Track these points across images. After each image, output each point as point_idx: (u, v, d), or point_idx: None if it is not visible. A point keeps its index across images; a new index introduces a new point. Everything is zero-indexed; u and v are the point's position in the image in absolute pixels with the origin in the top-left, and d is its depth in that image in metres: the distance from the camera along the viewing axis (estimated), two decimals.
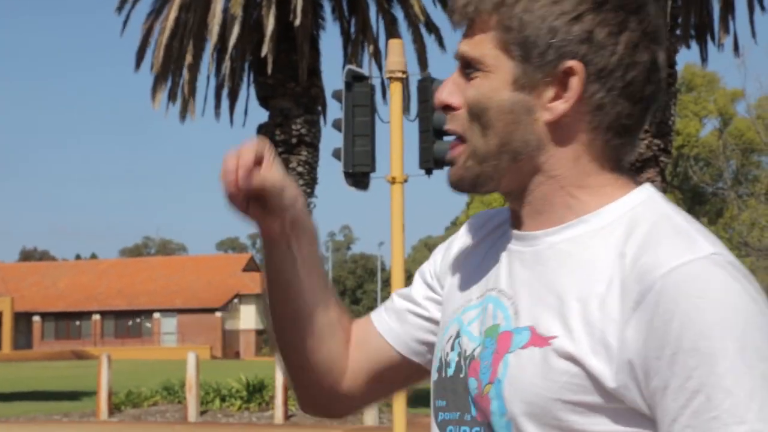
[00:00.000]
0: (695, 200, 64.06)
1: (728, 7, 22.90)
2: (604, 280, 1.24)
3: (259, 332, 71.09)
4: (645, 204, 1.30)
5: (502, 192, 1.36)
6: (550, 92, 1.29)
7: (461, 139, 1.34)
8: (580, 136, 1.31)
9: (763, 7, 23.65)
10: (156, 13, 22.89)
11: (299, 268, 1.46)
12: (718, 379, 1.16)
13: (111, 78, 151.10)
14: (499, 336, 1.30)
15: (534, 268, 1.32)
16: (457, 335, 1.38)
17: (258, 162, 1.39)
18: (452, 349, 1.38)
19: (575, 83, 1.28)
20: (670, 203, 1.31)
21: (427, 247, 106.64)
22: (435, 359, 1.42)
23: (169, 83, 22.65)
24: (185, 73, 22.37)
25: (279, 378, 16.96)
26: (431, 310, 1.50)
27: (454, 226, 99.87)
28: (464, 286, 1.43)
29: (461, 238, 1.51)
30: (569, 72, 1.28)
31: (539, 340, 1.26)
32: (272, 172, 1.39)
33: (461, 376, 1.35)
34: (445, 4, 23.13)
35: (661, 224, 1.26)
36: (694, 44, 23.80)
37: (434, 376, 1.42)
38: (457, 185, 1.35)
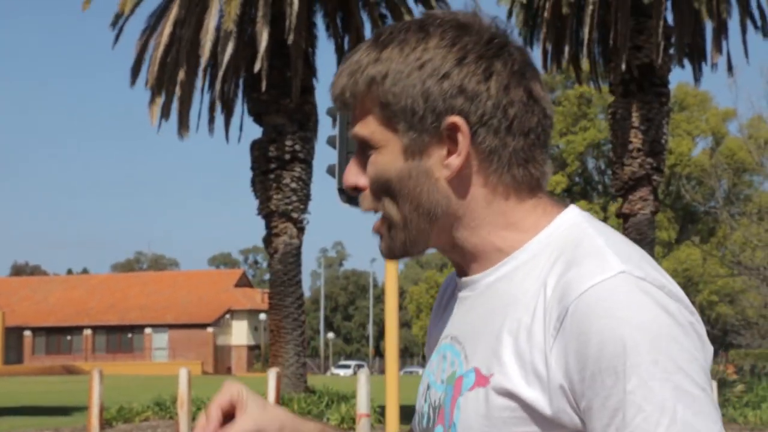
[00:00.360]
0: (687, 219, 64.17)
1: (721, 27, 23.02)
2: (529, 311, 1.28)
3: (250, 348, 70.96)
4: (568, 229, 1.34)
5: (438, 249, 1.40)
6: (442, 151, 1.33)
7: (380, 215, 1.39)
8: (484, 181, 1.34)
9: (756, 26, 23.78)
10: (151, 29, 22.94)
11: None
12: (631, 396, 1.19)
13: (105, 92, 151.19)
14: (455, 381, 1.35)
15: (475, 311, 1.37)
16: (428, 387, 1.44)
17: (231, 415, 1.39)
18: (425, 401, 1.44)
19: (461, 137, 1.32)
20: (595, 222, 1.34)
21: (418, 263, 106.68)
22: (416, 414, 1.48)
23: (163, 99, 22.68)
24: (179, 89, 22.40)
25: (271, 393, 16.92)
26: None
27: None
28: (433, 341, 1.50)
29: (437, 299, 1.57)
30: (453, 128, 1.32)
31: (482, 380, 1.30)
32: (243, 421, 1.38)
33: (430, 425, 1.41)
34: None
35: (579, 247, 1.29)
36: (686, 63, 23.92)
37: (417, 429, 1.48)
38: (389, 254, 1.38)
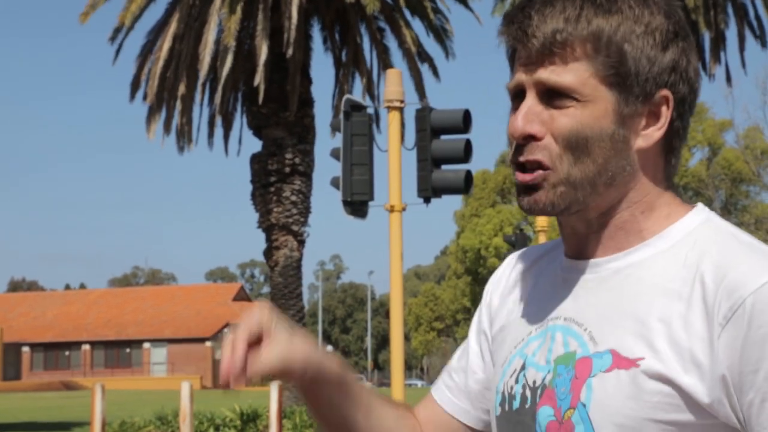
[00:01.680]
0: None
1: (719, 38, 23.08)
2: (683, 300, 1.27)
3: None
4: (705, 224, 1.34)
5: (582, 216, 1.35)
6: (642, 120, 1.32)
7: (541, 167, 1.33)
8: (659, 161, 1.36)
9: (756, 35, 23.84)
10: (150, 44, 22.97)
11: (340, 405, 1.44)
12: None
13: (103, 107, 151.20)
14: (577, 362, 1.32)
15: (602, 294, 1.34)
16: (522, 368, 1.39)
17: (258, 340, 1.35)
18: (516, 382, 1.39)
19: (666, 111, 1.32)
20: (726, 222, 1.36)
21: (417, 276, 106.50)
22: (496, 394, 1.43)
23: (163, 114, 22.71)
24: (179, 103, 22.43)
25: (273, 407, 16.89)
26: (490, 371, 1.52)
27: (444, 255, 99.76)
28: (520, 319, 1.44)
29: (508, 275, 1.51)
30: (662, 101, 1.32)
31: (624, 362, 1.28)
32: (270, 356, 1.34)
33: (527, 406, 1.37)
34: (437, 34, 23.31)
35: (731, 243, 1.30)
36: None
37: (496, 411, 1.43)
38: (549, 210, 1.33)
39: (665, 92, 1.32)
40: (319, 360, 1.39)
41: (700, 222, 1.35)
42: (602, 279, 1.35)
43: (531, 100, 1.33)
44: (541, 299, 1.42)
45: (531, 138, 1.32)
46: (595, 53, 1.30)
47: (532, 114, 1.32)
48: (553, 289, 1.40)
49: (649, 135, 1.32)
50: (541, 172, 1.33)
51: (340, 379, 1.42)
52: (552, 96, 1.31)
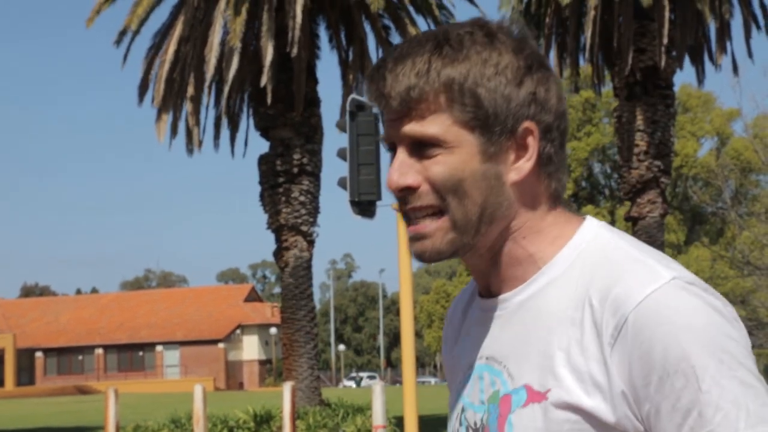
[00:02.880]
0: (696, 220, 64.05)
1: (724, 27, 23.02)
2: (576, 325, 1.32)
3: (262, 362, 70.89)
4: (594, 241, 1.38)
5: (474, 257, 1.40)
6: (511, 155, 1.37)
7: (436, 213, 1.37)
8: (537, 186, 1.40)
9: (759, 27, 23.78)
10: (156, 47, 23.01)
11: None
12: (706, 395, 1.24)
13: (112, 110, 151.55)
14: (501, 400, 1.38)
15: (512, 329, 1.39)
16: (462, 410, 1.46)
17: None
18: (460, 424, 1.46)
19: (532, 142, 1.37)
20: (617, 232, 1.39)
21: (427, 272, 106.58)
22: None
23: (170, 116, 22.74)
24: (187, 105, 22.46)
25: (286, 407, 16.91)
26: None
27: None
28: (459, 363, 1.51)
29: (447, 326, 1.59)
30: (526, 133, 1.37)
31: (536, 396, 1.33)
32: None
33: None
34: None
35: (616, 258, 1.34)
36: (687, 65, 23.92)
37: None
38: (436, 257, 1.38)
39: (528, 124, 1.37)
40: None
41: (588, 240, 1.38)
42: (510, 314, 1.40)
43: (402, 154, 1.38)
44: (470, 341, 1.48)
45: (409, 189, 1.37)
46: (451, 102, 1.35)
47: (405, 166, 1.38)
48: (476, 330, 1.47)
49: (520, 167, 1.37)
50: (428, 222, 1.38)
51: None
52: (420, 147, 1.37)
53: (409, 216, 1.39)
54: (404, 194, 1.38)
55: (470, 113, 1.35)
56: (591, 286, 1.32)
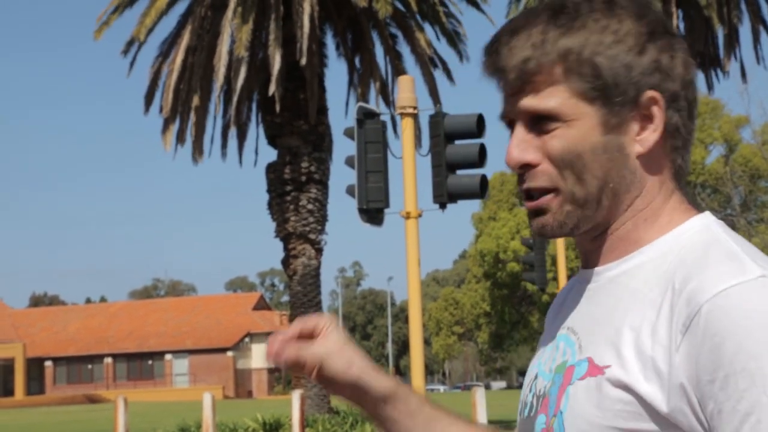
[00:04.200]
0: None
1: (733, 34, 22.99)
2: (655, 308, 1.26)
3: (271, 370, 70.87)
4: (699, 232, 1.33)
5: (590, 232, 1.36)
6: (635, 126, 1.32)
7: (551, 191, 1.34)
8: (664, 162, 1.35)
9: None
10: (163, 56, 23.06)
11: (390, 418, 1.46)
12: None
13: (119, 120, 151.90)
14: (566, 370, 1.34)
15: (594, 303, 1.36)
16: (535, 377, 1.42)
17: (310, 335, 1.44)
18: (530, 390, 1.43)
19: (657, 112, 1.32)
20: (728, 229, 1.33)
21: (435, 281, 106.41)
22: (519, 403, 1.47)
23: (177, 125, 22.78)
24: (193, 115, 22.50)
25: (295, 415, 16.90)
26: None
27: (462, 259, 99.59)
28: (547, 335, 1.47)
29: (558, 298, 1.55)
30: (651, 102, 1.32)
31: (595, 369, 1.29)
32: (315, 347, 1.42)
33: (531, 414, 1.40)
34: (450, 38, 23.29)
35: (711, 250, 1.28)
36: (699, 72, 23.92)
37: (518, 419, 1.46)
38: (558, 231, 1.35)
39: (651, 93, 1.32)
40: (365, 370, 1.43)
41: (696, 230, 1.33)
42: (599, 287, 1.36)
43: (520, 130, 1.35)
44: (564, 311, 1.44)
45: (528, 166, 1.35)
46: (568, 73, 1.31)
47: (523, 143, 1.35)
48: (570, 300, 1.43)
49: (646, 138, 1.32)
50: (547, 196, 1.35)
51: (389, 393, 1.44)
52: (539, 122, 1.34)
53: (529, 193, 1.36)
54: (523, 171, 1.35)
55: (589, 83, 1.31)
56: (678, 271, 1.27)
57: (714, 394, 1.20)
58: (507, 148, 1.36)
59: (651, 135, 1.32)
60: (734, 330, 1.19)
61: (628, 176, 1.33)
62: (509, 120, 1.37)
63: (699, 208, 1.37)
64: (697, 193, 52.94)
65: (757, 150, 42.34)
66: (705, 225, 1.34)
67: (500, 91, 1.38)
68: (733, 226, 54.66)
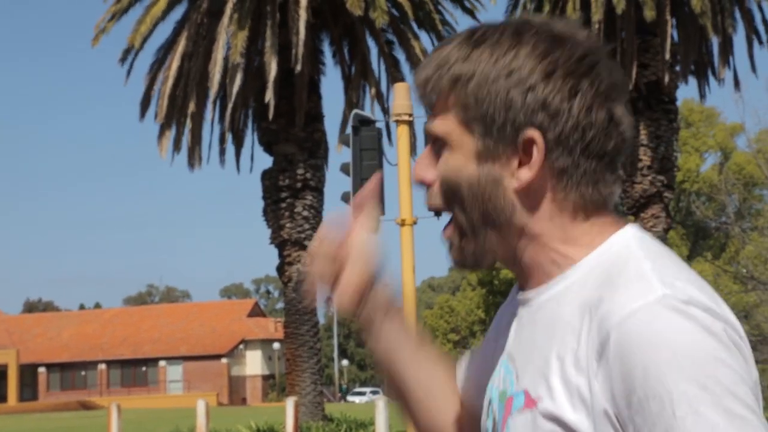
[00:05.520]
0: (699, 235, 64.04)
1: (727, 42, 23.08)
2: (575, 334, 1.26)
3: (265, 377, 70.80)
4: (617, 251, 1.31)
5: (501, 261, 1.38)
6: (514, 161, 1.31)
7: (450, 219, 1.37)
8: (551, 197, 1.32)
9: (761, 42, 23.84)
10: (159, 63, 23.07)
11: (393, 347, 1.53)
12: (680, 422, 1.16)
13: (114, 127, 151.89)
14: (507, 400, 1.35)
15: (527, 330, 1.36)
16: (490, 402, 1.42)
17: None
18: (488, 416, 1.42)
19: (536, 152, 1.30)
20: (647, 243, 1.32)
21: (431, 288, 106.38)
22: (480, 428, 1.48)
23: (173, 132, 22.79)
24: (189, 121, 22.51)
25: (289, 422, 16.89)
26: None
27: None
28: (494, 354, 1.47)
29: (496, 318, 1.54)
30: (529, 142, 1.30)
31: (530, 402, 1.29)
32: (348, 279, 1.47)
33: None
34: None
35: (624, 269, 1.27)
36: (690, 80, 23.99)
37: None
38: (461, 264, 1.38)
39: (531, 133, 1.30)
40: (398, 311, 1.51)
41: (616, 248, 1.31)
42: (531, 313, 1.36)
43: (426, 148, 1.38)
44: (505, 335, 1.43)
45: (424, 184, 1.37)
46: (456, 100, 1.33)
47: (424, 161, 1.37)
48: (507, 323, 1.43)
49: (520, 175, 1.31)
50: (448, 229, 1.37)
51: (394, 304, 1.50)
52: (435, 144, 1.36)
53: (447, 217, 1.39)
54: (425, 189, 1.38)
55: (470, 114, 1.32)
56: (595, 295, 1.26)
57: (632, 418, 1.20)
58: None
59: (525, 173, 1.31)
60: (640, 355, 1.19)
61: (507, 209, 1.32)
62: None
63: (620, 223, 1.34)
64: (692, 201, 52.98)
65: (752, 158, 42.38)
66: (623, 242, 1.32)
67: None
68: (727, 235, 54.77)
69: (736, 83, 24.06)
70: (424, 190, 1.38)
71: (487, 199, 1.32)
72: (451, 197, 1.34)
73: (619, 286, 1.24)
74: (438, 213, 1.40)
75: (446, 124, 1.34)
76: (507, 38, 1.32)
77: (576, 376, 1.24)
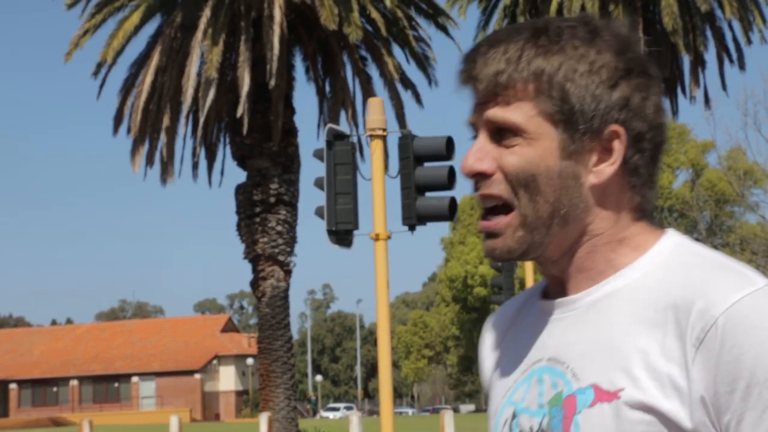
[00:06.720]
0: None
1: (698, 60, 23.28)
2: (657, 327, 1.28)
3: (239, 393, 70.46)
4: (676, 249, 1.35)
5: (546, 258, 1.37)
6: (593, 157, 1.34)
7: (506, 207, 1.36)
8: (620, 195, 1.36)
9: (732, 60, 24.06)
10: (132, 77, 23.01)
11: None
12: None
13: (86, 142, 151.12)
14: (564, 401, 1.33)
15: (579, 329, 1.35)
16: (513, 416, 1.39)
17: None
18: (510, 430, 1.40)
19: (618, 147, 1.34)
20: (697, 244, 1.36)
21: (405, 303, 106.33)
22: None
23: (146, 146, 22.72)
24: (163, 135, 22.45)
25: None
26: None
27: (432, 282, 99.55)
28: (506, 368, 1.45)
29: (490, 333, 1.54)
30: (612, 137, 1.33)
31: (605, 395, 1.29)
32: None
33: None
34: (419, 61, 23.41)
35: (701, 265, 1.30)
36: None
37: None
38: (506, 256, 1.36)
39: (615, 128, 1.33)
40: None
41: (671, 248, 1.35)
42: (579, 314, 1.36)
43: (482, 139, 1.37)
44: (523, 345, 1.43)
45: (481, 175, 1.36)
46: (538, 93, 1.33)
47: (482, 152, 1.36)
48: (533, 333, 1.42)
49: (601, 171, 1.34)
50: (501, 219, 1.36)
51: None
52: (501, 134, 1.35)
53: (486, 210, 1.37)
54: (477, 179, 1.36)
55: (556, 107, 1.32)
56: (676, 289, 1.28)
57: (733, 404, 1.22)
58: (465, 155, 1.38)
59: (607, 168, 1.34)
60: (752, 340, 1.22)
61: (579, 205, 1.34)
62: (474, 129, 1.39)
63: (662, 228, 1.39)
64: (664, 217, 53.31)
65: (723, 175, 42.72)
66: (677, 242, 1.36)
67: (471, 100, 1.39)
68: None
69: (707, 101, 24.31)
70: (475, 180, 1.37)
71: (563, 192, 1.33)
72: (523, 188, 1.33)
73: (710, 278, 1.27)
74: (491, 204, 1.37)
75: (523, 114, 1.33)
76: (585, 35, 1.35)
77: (666, 366, 1.26)
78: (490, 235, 1.36)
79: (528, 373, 1.39)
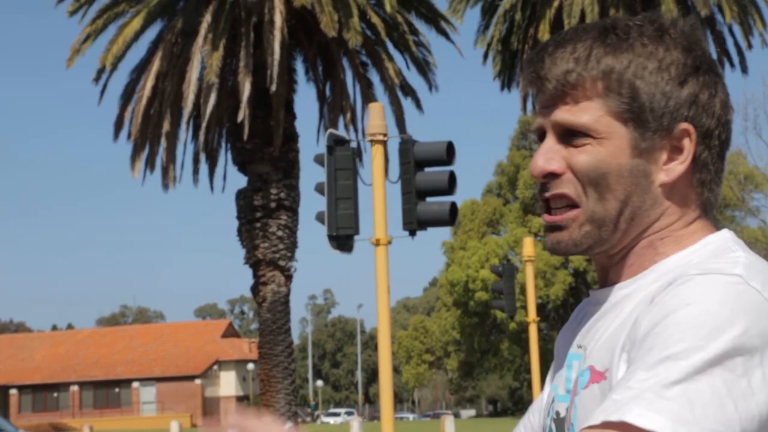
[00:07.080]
0: None
1: None
2: (646, 304, 1.28)
3: (239, 398, 70.43)
4: (712, 245, 1.33)
5: (607, 253, 1.37)
6: (664, 154, 1.33)
7: (573, 205, 1.35)
8: (686, 192, 1.35)
9: (732, 64, 24.07)
10: (133, 82, 23.03)
11: None
12: (673, 348, 1.15)
13: (87, 147, 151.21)
14: (574, 383, 1.35)
15: (604, 319, 1.36)
16: (552, 401, 1.42)
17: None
18: (548, 414, 1.42)
19: (688, 144, 1.33)
20: (743, 245, 1.33)
21: (406, 308, 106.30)
22: (538, 429, 1.49)
23: (147, 152, 22.74)
24: (163, 141, 22.47)
25: None
26: None
27: (433, 287, 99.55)
28: (559, 356, 1.47)
29: (569, 322, 1.53)
30: (683, 134, 1.33)
31: (597, 376, 1.30)
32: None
33: None
34: (420, 67, 23.44)
35: (713, 256, 1.30)
36: None
37: None
38: (572, 249, 1.36)
39: (685, 126, 1.33)
40: None
41: (712, 245, 1.34)
42: (612, 305, 1.36)
43: (550, 141, 1.36)
44: (574, 332, 1.44)
45: (552, 175, 1.36)
46: (607, 91, 1.32)
47: (550, 152, 1.36)
48: (582, 321, 1.43)
49: (672, 169, 1.33)
50: (569, 212, 1.35)
51: None
52: (570, 135, 1.35)
53: (549, 205, 1.37)
54: (547, 180, 1.36)
55: (626, 105, 1.32)
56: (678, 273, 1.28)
57: (634, 357, 1.20)
58: (533, 157, 1.37)
59: (678, 166, 1.33)
60: (674, 303, 1.20)
61: (648, 202, 1.34)
62: (540, 133, 1.39)
63: (719, 227, 1.38)
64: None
65: (723, 180, 42.73)
66: (722, 239, 1.34)
67: (537, 102, 1.39)
68: None
69: None
70: (543, 180, 1.36)
71: (633, 190, 1.33)
72: (593, 186, 1.33)
73: (701, 262, 1.28)
74: (555, 203, 1.36)
75: (592, 114, 1.33)
76: (653, 33, 1.35)
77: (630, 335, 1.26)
78: (555, 228, 1.36)
79: (566, 358, 1.41)
